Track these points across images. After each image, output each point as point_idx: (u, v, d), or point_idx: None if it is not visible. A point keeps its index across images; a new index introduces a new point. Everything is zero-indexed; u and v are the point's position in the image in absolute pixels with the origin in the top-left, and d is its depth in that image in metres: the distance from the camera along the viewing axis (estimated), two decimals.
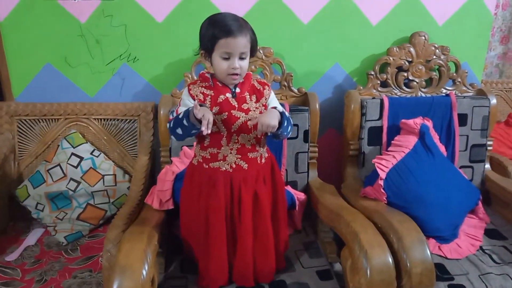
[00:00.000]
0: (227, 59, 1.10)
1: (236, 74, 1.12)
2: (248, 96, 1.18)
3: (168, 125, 1.15)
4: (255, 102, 1.19)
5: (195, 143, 1.24)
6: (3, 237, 1.51)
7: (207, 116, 1.02)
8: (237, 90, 1.17)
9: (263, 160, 1.23)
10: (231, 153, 1.17)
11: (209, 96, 1.15)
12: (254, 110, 1.18)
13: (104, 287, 1.20)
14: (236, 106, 1.15)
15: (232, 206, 1.19)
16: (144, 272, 1.02)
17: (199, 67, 1.59)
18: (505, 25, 2.35)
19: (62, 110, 1.61)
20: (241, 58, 1.11)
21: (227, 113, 1.14)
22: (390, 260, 1.08)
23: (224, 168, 1.18)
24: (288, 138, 1.55)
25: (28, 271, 1.33)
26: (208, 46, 1.11)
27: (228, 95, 1.16)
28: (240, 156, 1.18)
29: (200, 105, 1.04)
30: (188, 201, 1.25)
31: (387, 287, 1.06)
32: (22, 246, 1.46)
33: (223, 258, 1.22)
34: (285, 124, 1.15)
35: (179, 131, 1.11)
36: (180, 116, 1.09)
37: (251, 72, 1.23)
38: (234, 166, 1.18)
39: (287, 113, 1.19)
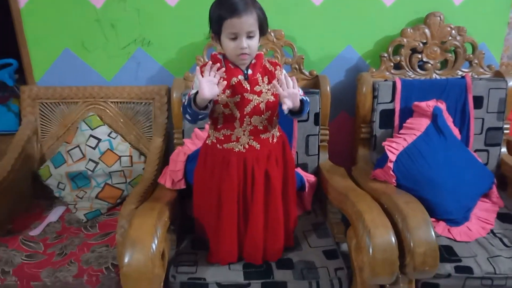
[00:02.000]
0: (234, 39, 1.10)
1: (245, 54, 1.12)
2: (260, 78, 1.18)
3: (181, 109, 1.18)
4: (267, 84, 1.19)
5: (207, 124, 1.27)
6: (27, 214, 1.60)
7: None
8: (249, 71, 1.17)
9: (275, 140, 1.25)
10: (244, 134, 1.19)
11: (221, 79, 1.15)
12: (266, 92, 1.18)
13: (118, 261, 1.26)
14: (249, 88, 1.17)
15: (245, 185, 1.22)
16: (154, 246, 1.07)
17: (210, 50, 1.61)
18: None
19: (81, 94, 1.68)
20: (249, 37, 1.10)
21: (240, 96, 1.16)
22: (393, 239, 1.09)
23: (238, 149, 1.20)
24: (299, 121, 1.57)
25: (50, 245, 1.41)
26: (216, 28, 1.12)
27: (241, 77, 1.16)
28: (252, 137, 1.20)
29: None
30: (201, 180, 1.29)
31: (389, 266, 1.08)
32: (45, 222, 1.54)
33: (234, 236, 1.26)
34: (305, 99, 1.16)
35: (187, 116, 1.14)
36: (185, 103, 1.12)
37: (262, 53, 1.22)
38: (247, 146, 1.20)
39: (301, 91, 1.19)
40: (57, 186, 1.62)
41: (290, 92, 1.09)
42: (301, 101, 1.14)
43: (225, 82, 1.10)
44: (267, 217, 1.25)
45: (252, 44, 1.11)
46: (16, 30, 1.63)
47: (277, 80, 1.13)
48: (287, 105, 1.08)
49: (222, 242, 1.25)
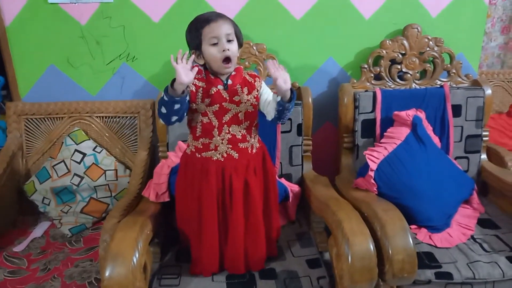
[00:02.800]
0: (215, 44, 1.14)
1: (229, 58, 1.15)
2: (240, 88, 1.21)
3: (157, 104, 1.17)
4: (247, 94, 1.22)
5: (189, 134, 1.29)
6: (12, 229, 1.60)
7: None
8: (229, 82, 1.20)
9: (254, 150, 1.27)
10: (222, 143, 1.21)
11: (201, 88, 1.19)
12: (245, 102, 1.21)
13: (100, 274, 1.26)
14: (228, 98, 1.20)
15: (223, 195, 1.24)
16: (135, 259, 1.07)
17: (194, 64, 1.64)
18: (506, 15, 2.32)
19: (66, 109, 1.69)
20: (229, 41, 1.15)
21: (218, 105, 1.19)
22: (372, 247, 1.11)
23: (216, 158, 1.22)
24: (282, 132, 1.60)
25: (33, 261, 1.41)
26: (196, 41, 1.16)
27: (220, 87, 1.20)
28: (231, 146, 1.22)
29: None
30: (182, 190, 1.30)
31: (368, 273, 1.09)
32: (29, 237, 1.54)
33: (215, 246, 1.26)
34: (294, 89, 1.17)
35: (163, 109, 1.14)
36: (162, 96, 1.13)
37: (241, 66, 1.27)
38: (225, 155, 1.22)
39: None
40: (42, 202, 1.62)
41: (282, 73, 1.12)
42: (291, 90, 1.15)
43: (197, 69, 1.13)
44: (247, 226, 1.27)
45: (232, 48, 1.15)
46: (2, 47, 1.65)
47: (272, 64, 1.14)
48: (279, 83, 1.10)
49: (203, 250, 1.26)
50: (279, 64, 1.16)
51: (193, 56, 1.13)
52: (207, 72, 1.21)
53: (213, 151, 1.22)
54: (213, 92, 1.19)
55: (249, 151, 1.26)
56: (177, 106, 1.12)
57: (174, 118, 1.15)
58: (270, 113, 1.22)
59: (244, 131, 1.23)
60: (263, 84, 1.28)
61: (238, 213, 1.24)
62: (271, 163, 1.35)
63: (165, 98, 1.11)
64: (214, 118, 1.20)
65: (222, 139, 1.21)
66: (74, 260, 1.40)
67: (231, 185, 1.23)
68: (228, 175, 1.22)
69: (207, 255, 1.26)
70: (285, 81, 1.12)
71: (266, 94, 1.26)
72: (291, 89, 1.15)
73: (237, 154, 1.23)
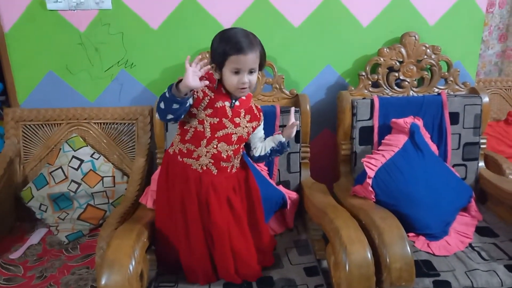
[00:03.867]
0: (237, 73, 1.15)
1: (245, 88, 1.17)
2: (244, 113, 1.23)
3: (158, 100, 1.16)
4: (248, 122, 1.25)
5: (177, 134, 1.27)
6: (9, 236, 1.59)
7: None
8: (237, 103, 1.22)
9: (233, 170, 1.27)
10: (206, 155, 1.21)
11: (208, 97, 1.19)
12: (243, 128, 1.23)
13: (97, 282, 1.25)
14: (230, 116, 1.20)
15: (201, 206, 1.23)
16: (131, 267, 1.07)
17: None
18: (503, 23, 2.34)
19: (64, 115, 1.69)
20: (251, 73, 1.16)
21: (218, 119, 1.19)
22: (369, 255, 1.11)
23: (195, 167, 1.22)
24: None
25: (29, 268, 1.40)
26: (219, 61, 1.16)
27: (227, 103, 1.20)
28: (212, 162, 1.22)
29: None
30: (163, 189, 1.28)
31: (366, 282, 1.09)
32: (26, 244, 1.53)
33: (204, 253, 1.25)
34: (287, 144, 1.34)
35: (161, 105, 1.12)
36: (165, 91, 1.12)
37: (251, 94, 1.29)
38: (204, 168, 1.22)
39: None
40: (39, 208, 1.62)
41: (294, 126, 1.28)
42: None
43: (207, 82, 1.13)
44: (233, 240, 1.25)
45: (252, 79, 1.17)
46: (0, 53, 1.66)
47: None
48: (292, 132, 1.30)
49: (194, 258, 1.25)
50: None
51: (208, 66, 1.13)
52: (220, 86, 1.21)
53: (194, 160, 1.22)
54: (218, 106, 1.19)
55: (229, 171, 1.26)
56: (175, 106, 1.11)
57: (170, 116, 1.14)
58: (258, 149, 1.33)
59: (231, 152, 1.23)
60: (262, 121, 1.32)
61: (218, 225, 1.22)
62: (255, 182, 1.34)
63: (167, 94, 1.11)
64: (208, 129, 1.19)
65: (207, 152, 1.21)
66: (70, 268, 1.39)
67: (207, 200, 1.22)
68: (205, 188, 1.21)
69: (198, 262, 1.25)
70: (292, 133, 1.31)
71: (261, 132, 1.34)
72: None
73: (216, 171, 1.23)
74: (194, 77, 1.07)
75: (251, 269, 1.28)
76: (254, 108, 1.28)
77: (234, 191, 1.27)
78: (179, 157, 1.23)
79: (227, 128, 1.20)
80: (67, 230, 1.58)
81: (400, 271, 1.11)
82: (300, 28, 1.70)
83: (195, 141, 1.21)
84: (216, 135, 1.19)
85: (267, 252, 1.35)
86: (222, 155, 1.21)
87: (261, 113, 1.31)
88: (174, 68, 1.71)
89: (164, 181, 1.27)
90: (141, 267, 1.14)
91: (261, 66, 1.20)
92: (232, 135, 1.21)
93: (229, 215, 1.24)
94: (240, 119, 1.22)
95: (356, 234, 1.15)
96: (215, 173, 1.23)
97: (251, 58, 1.13)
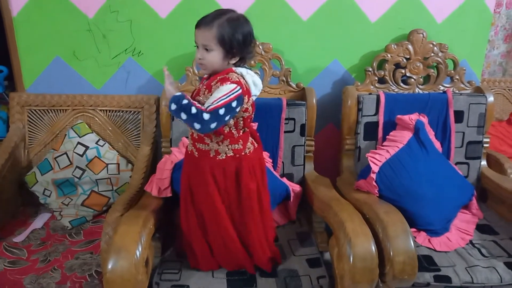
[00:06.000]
0: (197, 48, 1.16)
1: (201, 64, 1.16)
2: (205, 91, 1.16)
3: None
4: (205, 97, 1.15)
5: None
6: (13, 220, 1.59)
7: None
8: (206, 82, 1.20)
9: (218, 157, 1.19)
10: (191, 138, 1.24)
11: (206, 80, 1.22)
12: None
13: (102, 267, 1.26)
14: (199, 93, 1.19)
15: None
16: (138, 253, 1.08)
17: None
18: (509, 24, 2.34)
19: (70, 102, 1.69)
20: (206, 50, 1.13)
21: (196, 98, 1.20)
22: (373, 248, 1.12)
23: (189, 149, 1.26)
24: (285, 132, 1.60)
25: (33, 252, 1.41)
26: None
27: (201, 85, 1.22)
28: (192, 142, 1.24)
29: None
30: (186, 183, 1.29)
31: (369, 274, 1.10)
32: (30, 228, 1.54)
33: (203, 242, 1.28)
34: (172, 107, 1.10)
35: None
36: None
37: (232, 69, 1.16)
38: (189, 150, 1.25)
39: (184, 101, 1.09)
40: (43, 193, 1.62)
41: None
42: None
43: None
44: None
45: (207, 57, 1.14)
46: (8, 37, 1.65)
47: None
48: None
49: (195, 247, 1.28)
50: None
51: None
52: None
53: (188, 144, 1.26)
54: (199, 86, 1.22)
55: (211, 155, 1.20)
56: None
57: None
58: None
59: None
60: (221, 88, 1.11)
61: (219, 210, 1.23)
62: (248, 181, 1.22)
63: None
64: None
65: (191, 135, 1.23)
66: (74, 252, 1.40)
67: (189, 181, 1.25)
68: (192, 171, 1.24)
69: (201, 252, 1.29)
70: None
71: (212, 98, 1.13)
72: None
73: (197, 153, 1.22)
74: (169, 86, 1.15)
75: (263, 258, 1.28)
76: (216, 81, 1.14)
77: (214, 179, 1.21)
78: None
79: None
80: (70, 215, 1.58)
81: (403, 264, 1.13)
82: (308, 21, 1.70)
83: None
84: None
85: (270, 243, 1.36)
86: (194, 135, 1.22)
87: (219, 83, 1.12)
88: (181, 58, 1.70)
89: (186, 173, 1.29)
90: (147, 254, 1.15)
91: (225, 47, 1.12)
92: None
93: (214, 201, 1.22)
94: (201, 96, 1.17)
95: (361, 227, 1.16)
96: (197, 156, 1.22)
97: (202, 34, 1.12)
